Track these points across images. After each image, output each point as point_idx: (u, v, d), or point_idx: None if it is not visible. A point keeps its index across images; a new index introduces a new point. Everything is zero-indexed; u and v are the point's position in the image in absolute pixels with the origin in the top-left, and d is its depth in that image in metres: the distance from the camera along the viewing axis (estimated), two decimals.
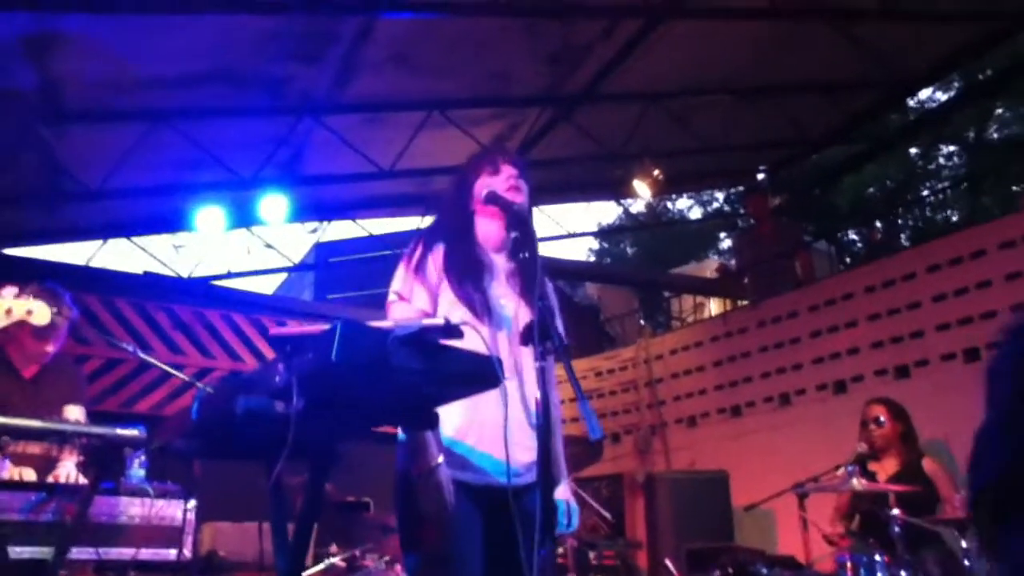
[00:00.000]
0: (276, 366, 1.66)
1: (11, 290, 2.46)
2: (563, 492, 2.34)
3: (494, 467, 2.19)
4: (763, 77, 6.99)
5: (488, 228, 2.43)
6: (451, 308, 2.26)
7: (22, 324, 2.42)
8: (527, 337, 1.90)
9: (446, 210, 2.50)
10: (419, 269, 2.33)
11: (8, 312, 2.38)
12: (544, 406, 1.83)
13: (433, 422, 1.85)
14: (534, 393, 2.23)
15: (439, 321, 1.63)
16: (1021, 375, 0.85)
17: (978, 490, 0.87)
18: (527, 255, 2.10)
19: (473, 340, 1.82)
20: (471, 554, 2.15)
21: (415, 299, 2.30)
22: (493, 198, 2.32)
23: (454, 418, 2.04)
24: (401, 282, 2.35)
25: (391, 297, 2.34)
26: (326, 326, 1.55)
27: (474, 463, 2.19)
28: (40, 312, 2.42)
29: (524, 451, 2.16)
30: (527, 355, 2.26)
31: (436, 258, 2.35)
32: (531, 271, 2.29)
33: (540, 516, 1.77)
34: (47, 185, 6.20)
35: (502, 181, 2.38)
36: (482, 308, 2.26)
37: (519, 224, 2.23)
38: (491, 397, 1.97)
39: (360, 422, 1.92)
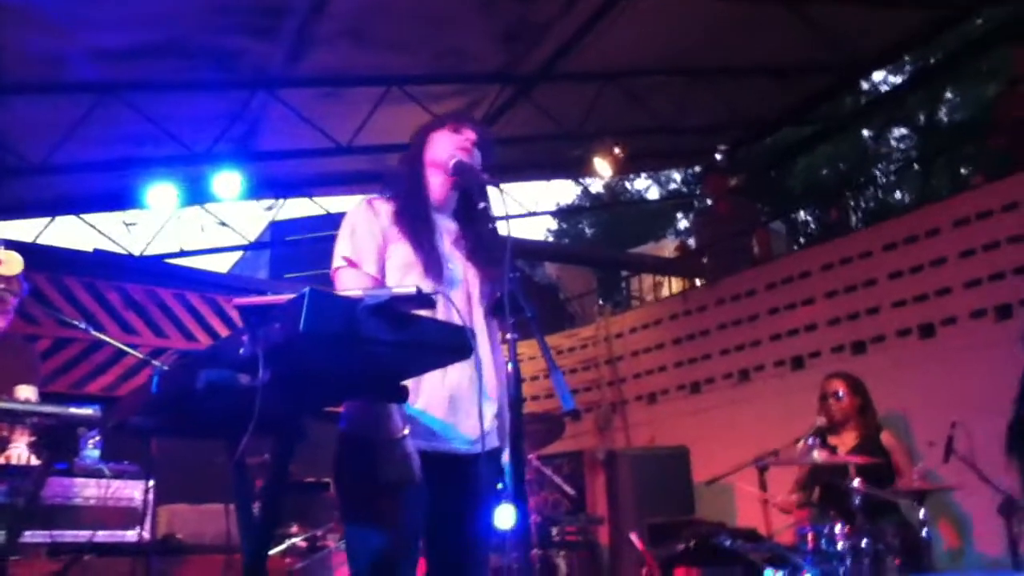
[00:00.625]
0: (240, 338, 1.60)
1: None
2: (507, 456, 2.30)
3: (446, 433, 2.16)
4: (718, 59, 6.99)
5: (435, 186, 2.36)
6: (403, 271, 2.18)
7: None
8: (498, 309, 1.87)
9: (398, 167, 2.43)
10: (365, 231, 2.24)
11: None
12: (516, 378, 1.80)
13: (403, 395, 1.80)
14: (486, 357, 2.20)
15: (410, 290, 1.58)
16: None
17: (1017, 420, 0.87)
18: (491, 226, 2.05)
19: (440, 310, 1.78)
20: (415, 523, 2.11)
21: (364, 263, 2.21)
22: (457, 167, 2.27)
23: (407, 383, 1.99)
24: (348, 246, 2.24)
25: (338, 263, 2.23)
26: (293, 295, 1.50)
27: (425, 428, 2.14)
28: (10, 262, 2.27)
29: (476, 420, 2.12)
30: (480, 324, 2.23)
31: (382, 218, 2.27)
32: (482, 236, 2.25)
33: (513, 484, 1.75)
34: None
35: (456, 140, 2.33)
36: (434, 267, 2.18)
37: (478, 190, 2.18)
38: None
39: (327, 395, 1.88)
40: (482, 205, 2.05)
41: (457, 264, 2.28)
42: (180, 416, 1.90)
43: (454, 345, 1.68)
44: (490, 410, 2.23)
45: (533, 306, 1.82)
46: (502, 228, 2.07)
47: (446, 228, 2.35)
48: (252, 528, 1.90)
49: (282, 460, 1.82)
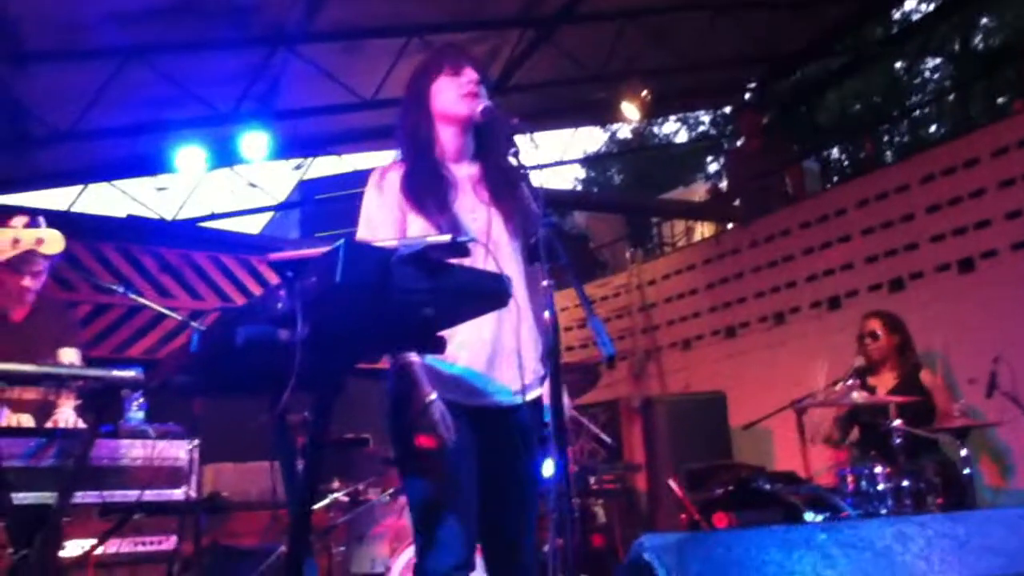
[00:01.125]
0: (278, 292, 1.60)
1: (21, 219, 2.32)
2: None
3: (488, 387, 2.15)
4: None
5: (449, 137, 2.28)
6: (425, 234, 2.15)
7: (29, 254, 2.27)
8: (533, 256, 1.84)
9: (401, 124, 2.33)
10: (379, 215, 2.21)
11: (15, 243, 2.22)
12: (554, 326, 1.78)
13: (440, 346, 1.79)
14: (523, 305, 2.17)
15: (445, 238, 1.56)
16: None
17: None
18: (521, 170, 1.98)
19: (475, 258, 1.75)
20: (468, 477, 2.13)
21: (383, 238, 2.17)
22: (486, 112, 2.18)
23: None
24: (364, 225, 2.23)
25: None
26: (328, 248, 1.48)
27: (467, 383, 2.14)
28: (52, 240, 2.26)
29: (516, 370, 2.13)
30: (510, 269, 2.17)
31: (393, 191, 2.22)
32: (503, 175, 2.19)
33: (555, 434, 1.74)
34: (12, 129, 6.00)
35: (460, 85, 2.22)
36: (450, 228, 2.13)
37: (506, 135, 2.06)
38: (482, 317, 1.92)
39: (367, 349, 1.87)
40: (514, 149, 2.00)
41: (480, 212, 2.23)
42: (220, 374, 1.91)
43: (491, 292, 1.67)
44: (531, 358, 2.22)
45: (566, 251, 1.79)
46: (531, 174, 2.01)
47: (467, 174, 2.28)
48: (295, 484, 1.92)
49: (322, 416, 1.83)
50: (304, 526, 1.90)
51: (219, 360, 1.77)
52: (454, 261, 1.59)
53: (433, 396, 2.06)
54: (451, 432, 2.04)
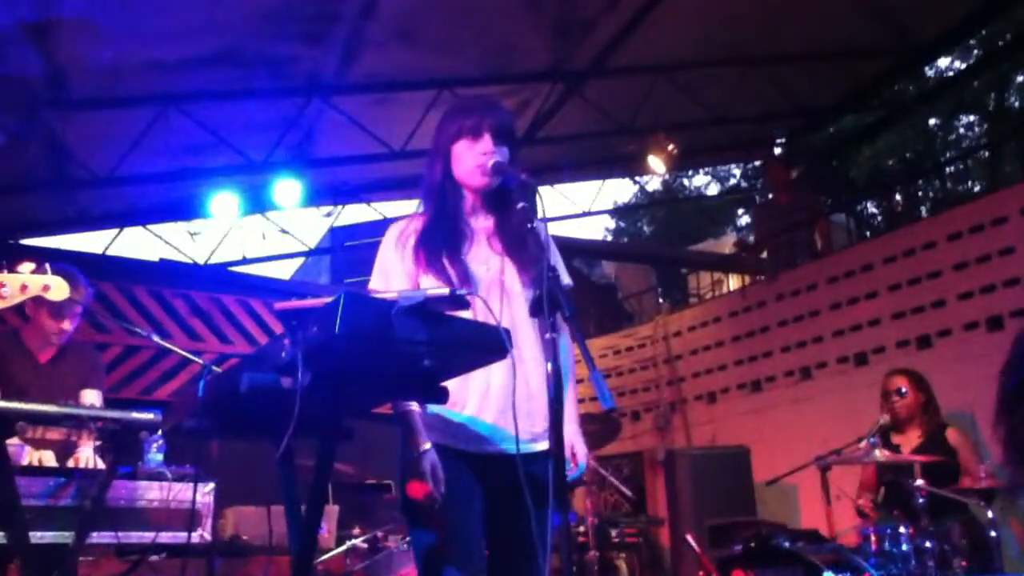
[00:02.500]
0: (282, 341, 1.64)
1: (28, 265, 2.40)
2: (570, 435, 2.27)
3: (495, 436, 2.16)
4: (771, 45, 6.87)
5: (466, 198, 2.33)
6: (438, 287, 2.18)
7: (39, 303, 2.37)
8: (536, 308, 1.86)
9: (425, 177, 2.39)
10: (396, 258, 2.26)
11: (23, 288, 2.30)
12: (555, 377, 1.79)
13: (442, 396, 1.81)
14: (535, 357, 2.19)
15: (444, 291, 1.59)
16: None
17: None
18: (530, 224, 2.02)
19: (482, 310, 1.78)
20: (473, 527, 2.13)
21: (394, 289, 2.19)
22: (496, 167, 2.23)
23: (451, 386, 2.01)
24: (378, 274, 2.28)
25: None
26: (330, 298, 1.52)
27: (474, 432, 2.15)
28: (57, 287, 2.35)
29: (525, 419, 2.13)
30: (522, 319, 2.21)
31: (411, 239, 2.28)
32: (517, 227, 2.23)
33: (553, 486, 1.74)
34: (56, 173, 6.19)
35: (475, 155, 2.26)
36: (461, 281, 2.17)
37: (517, 189, 2.12)
38: (492, 365, 1.94)
39: (369, 397, 1.90)
40: (521, 205, 2.04)
41: (494, 262, 2.27)
42: (229, 418, 1.95)
43: (490, 344, 1.69)
44: (542, 407, 2.23)
45: (572, 305, 1.81)
46: (541, 227, 2.05)
47: (482, 227, 2.34)
48: (299, 527, 1.93)
49: (325, 460, 1.85)
50: (306, 570, 1.91)
51: (226, 405, 1.81)
52: (455, 313, 1.62)
53: (427, 447, 2.08)
54: (440, 486, 2.07)
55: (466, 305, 1.62)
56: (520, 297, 2.26)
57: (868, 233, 15.37)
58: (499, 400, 2.16)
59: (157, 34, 5.15)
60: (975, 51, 13.74)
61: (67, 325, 3.51)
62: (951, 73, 14.61)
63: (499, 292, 2.22)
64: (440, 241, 2.25)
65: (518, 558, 2.21)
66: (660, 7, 5.91)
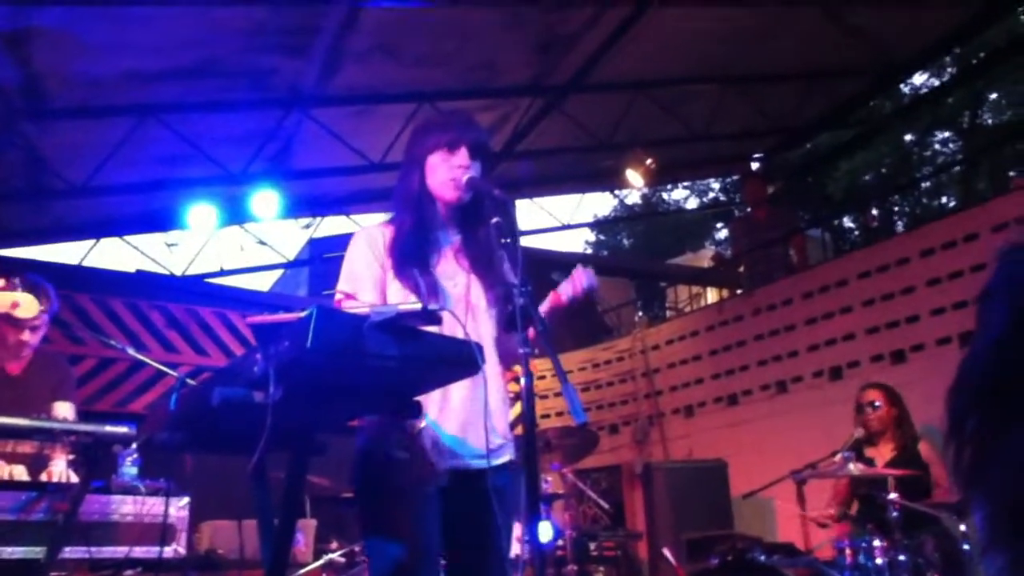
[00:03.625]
0: (254, 356, 1.64)
1: None
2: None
3: (459, 449, 2.17)
4: (750, 65, 6.95)
5: (437, 209, 2.34)
6: (404, 296, 2.19)
7: (4, 317, 2.36)
8: (510, 324, 1.87)
9: (398, 187, 2.39)
10: (363, 267, 2.26)
11: None
12: (528, 392, 1.80)
13: (416, 411, 1.82)
14: (495, 374, 2.21)
15: (416, 306, 1.59)
16: (1016, 295, 0.83)
17: (965, 408, 0.86)
18: (505, 240, 2.04)
19: (448, 325, 1.79)
20: (430, 538, 2.12)
21: (362, 295, 2.22)
22: (470, 183, 2.25)
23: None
24: (346, 282, 2.26)
25: (337, 296, 2.25)
26: (302, 313, 1.52)
27: (442, 445, 2.15)
28: (27, 305, 2.36)
29: (488, 433, 2.13)
30: (486, 337, 2.23)
31: (379, 249, 2.27)
32: (483, 245, 2.24)
33: (526, 500, 1.75)
34: (31, 183, 6.14)
35: (451, 168, 2.27)
36: (429, 292, 2.16)
37: (490, 204, 2.12)
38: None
39: (342, 411, 1.89)
40: (495, 220, 2.05)
41: (460, 279, 2.28)
42: (201, 432, 1.94)
43: (461, 359, 1.70)
44: (501, 422, 2.24)
45: (544, 321, 1.82)
46: (516, 241, 2.06)
47: (450, 242, 2.35)
48: (272, 541, 1.93)
49: (296, 474, 1.84)
50: None
51: (198, 418, 1.80)
52: (426, 328, 1.63)
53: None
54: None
55: (438, 321, 1.63)
56: (485, 315, 2.28)
57: (847, 247, 15.55)
58: (460, 414, 2.16)
59: (136, 45, 5.13)
60: (949, 69, 13.96)
61: (29, 337, 3.45)
62: (926, 90, 14.82)
63: (464, 308, 2.23)
64: (412, 251, 2.25)
65: (480, 569, 2.21)
66: (640, 24, 5.96)
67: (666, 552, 4.62)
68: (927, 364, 5.44)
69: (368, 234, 2.33)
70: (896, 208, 16.81)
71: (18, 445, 3.30)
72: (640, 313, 9.14)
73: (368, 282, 2.24)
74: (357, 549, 5.04)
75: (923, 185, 16.63)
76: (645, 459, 7.15)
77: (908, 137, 16.37)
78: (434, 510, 2.12)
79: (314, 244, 11.21)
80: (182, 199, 6.74)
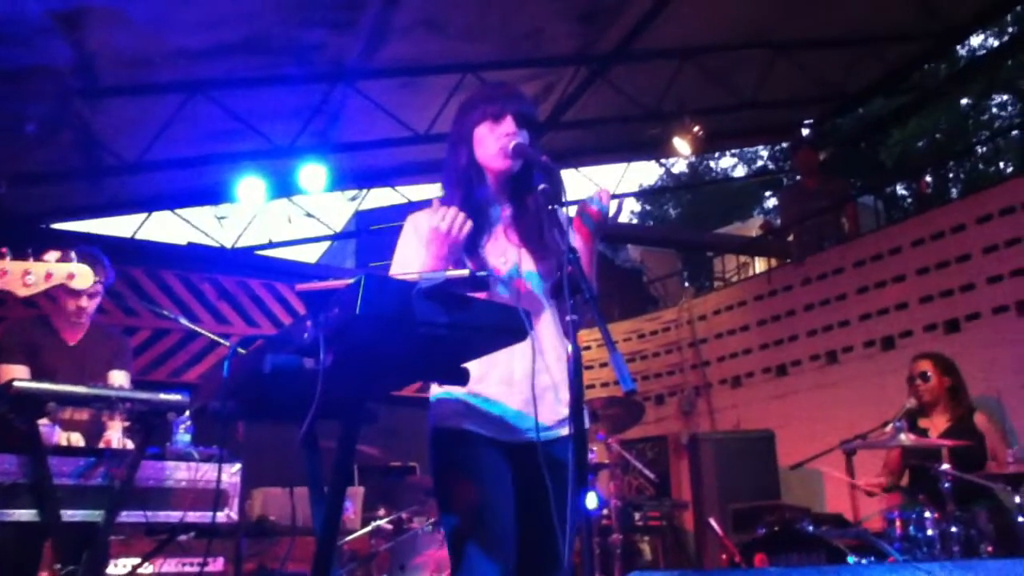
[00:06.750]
0: (304, 323, 1.66)
1: (53, 254, 2.46)
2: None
3: (521, 424, 2.17)
4: (799, 30, 6.79)
5: (488, 181, 2.32)
6: None
7: (61, 287, 2.42)
8: (558, 290, 1.86)
9: (446, 163, 2.37)
10: (415, 247, 2.26)
11: (48, 276, 2.37)
12: (576, 359, 1.80)
13: (463, 378, 1.83)
14: (553, 344, 2.20)
15: (464, 272, 1.60)
16: None
17: None
18: (550, 207, 2.01)
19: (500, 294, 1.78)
20: (504, 511, 2.13)
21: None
22: (516, 150, 2.23)
23: (474, 371, 2.00)
24: (398, 265, 2.28)
25: None
26: (351, 281, 1.53)
27: (501, 420, 2.16)
28: (82, 275, 2.41)
29: (552, 407, 2.15)
30: (541, 302, 2.22)
31: (424, 233, 2.23)
32: (534, 216, 2.23)
33: (573, 468, 1.75)
34: (86, 160, 6.27)
35: (497, 137, 2.25)
36: (478, 269, 2.12)
37: (538, 171, 2.10)
38: (514, 350, 1.94)
39: (390, 378, 1.91)
40: (542, 186, 2.03)
41: (511, 254, 2.26)
42: (252, 400, 1.97)
43: (509, 326, 1.69)
44: (559, 395, 2.24)
45: (592, 287, 1.81)
46: (563, 210, 2.04)
47: (500, 218, 2.33)
48: (323, 508, 1.96)
49: (347, 441, 1.87)
50: (329, 551, 1.93)
51: (250, 387, 1.83)
52: (473, 295, 1.63)
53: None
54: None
55: (486, 286, 1.63)
56: (538, 288, 2.28)
57: (900, 216, 15.21)
58: (523, 388, 2.16)
59: (185, 22, 5.18)
60: (1009, 29, 13.49)
61: (85, 302, 3.54)
62: (983, 51, 14.35)
63: (519, 279, 2.22)
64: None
65: (544, 542, 2.22)
66: None
67: (713, 522, 4.61)
68: (983, 333, 5.32)
69: (415, 221, 2.33)
70: (952, 175, 16.36)
71: (76, 412, 3.40)
72: (687, 283, 9.05)
73: (418, 267, 2.24)
74: (404, 516, 5.12)
75: (979, 151, 16.15)
76: (691, 430, 7.13)
77: (964, 101, 15.90)
78: (507, 484, 2.14)
79: (361, 216, 11.29)
80: (231, 173, 6.82)
